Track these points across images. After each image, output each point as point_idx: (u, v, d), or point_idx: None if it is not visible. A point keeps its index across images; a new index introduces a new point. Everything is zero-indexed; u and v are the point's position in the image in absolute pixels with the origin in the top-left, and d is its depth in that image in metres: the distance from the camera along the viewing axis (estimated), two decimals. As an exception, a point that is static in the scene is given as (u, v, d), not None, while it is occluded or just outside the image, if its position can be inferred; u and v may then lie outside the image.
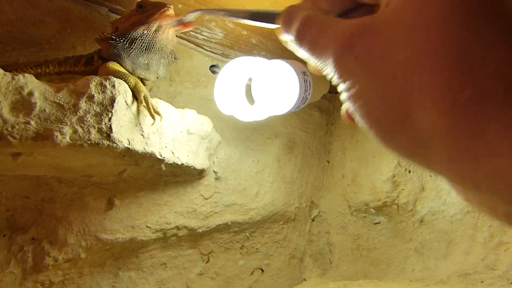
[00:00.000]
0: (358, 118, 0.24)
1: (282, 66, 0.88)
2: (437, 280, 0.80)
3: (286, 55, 1.10)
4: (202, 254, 1.09)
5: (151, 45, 0.81)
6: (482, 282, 0.68)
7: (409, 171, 0.99)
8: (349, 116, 0.27)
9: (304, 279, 1.19)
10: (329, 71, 0.25)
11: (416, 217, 0.97)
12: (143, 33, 0.79)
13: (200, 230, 1.06)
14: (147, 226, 0.97)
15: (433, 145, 0.20)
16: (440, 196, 0.92)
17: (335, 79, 0.25)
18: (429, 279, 0.83)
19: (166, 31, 0.81)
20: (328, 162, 1.30)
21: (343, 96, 0.25)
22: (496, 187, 0.19)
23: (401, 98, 0.21)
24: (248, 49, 1.10)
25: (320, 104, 1.31)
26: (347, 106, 0.25)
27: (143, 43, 0.80)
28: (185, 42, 1.10)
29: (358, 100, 0.24)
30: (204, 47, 1.12)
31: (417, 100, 0.20)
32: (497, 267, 0.73)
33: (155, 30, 0.80)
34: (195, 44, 1.11)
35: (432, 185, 0.94)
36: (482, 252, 0.79)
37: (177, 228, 1.02)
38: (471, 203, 0.23)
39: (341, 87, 0.25)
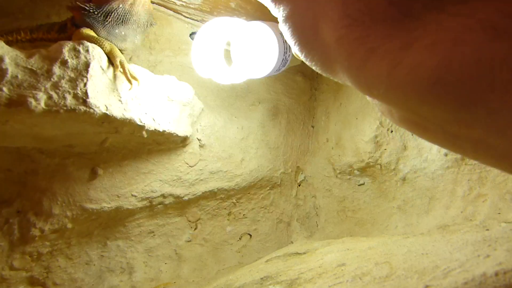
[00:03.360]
0: (289, 40, 0.28)
1: (261, 28, 0.87)
2: (418, 234, 0.81)
3: (266, 18, 1.09)
4: (190, 221, 1.10)
5: (127, 18, 0.79)
6: (459, 231, 0.70)
7: (391, 131, 0.99)
8: None
9: (292, 242, 1.21)
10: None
11: (399, 176, 0.98)
12: (118, 6, 0.77)
13: (186, 198, 1.06)
14: (132, 195, 0.97)
15: (334, 54, 0.24)
16: (422, 154, 0.92)
17: (271, 7, 0.30)
18: (411, 233, 0.85)
19: (142, 2, 0.79)
20: (313, 127, 1.30)
21: (280, 23, 0.29)
22: (379, 89, 0.21)
23: (313, 14, 0.25)
24: (228, 14, 1.08)
25: (303, 69, 1.31)
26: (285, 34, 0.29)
27: (119, 16, 0.77)
28: (163, 9, 1.07)
29: (287, 20, 0.28)
30: (183, 13, 1.10)
31: (322, 14, 0.24)
32: (475, 217, 0.75)
33: (130, 3, 0.78)
34: (173, 11, 1.09)
35: (413, 143, 0.95)
36: (461, 205, 0.80)
37: (163, 196, 1.02)
38: (381, 112, 0.27)
39: (276, 14, 0.30)
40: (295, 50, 0.28)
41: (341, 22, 0.23)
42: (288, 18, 0.28)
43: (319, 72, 0.28)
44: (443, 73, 0.18)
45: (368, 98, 0.27)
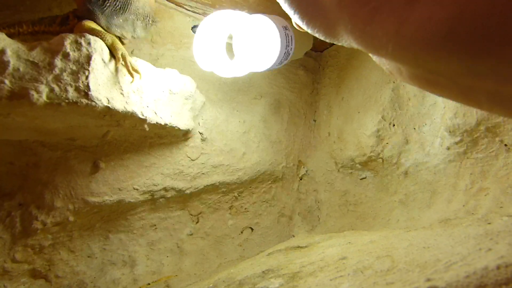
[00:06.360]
0: (287, 10, 0.28)
1: (263, 21, 0.86)
2: (420, 227, 0.81)
3: (268, 10, 1.08)
4: (192, 215, 1.10)
5: (125, 5, 0.79)
6: (461, 224, 0.70)
7: (393, 125, 0.99)
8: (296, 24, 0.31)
9: (293, 236, 1.21)
10: None
11: (401, 170, 0.98)
12: None
13: (188, 191, 1.06)
14: (134, 188, 0.97)
15: (336, 17, 0.24)
16: (424, 148, 0.92)
17: None
18: (412, 227, 0.85)
19: None
20: (315, 121, 1.29)
21: None
22: (387, 48, 0.21)
23: None
24: (230, 7, 1.07)
25: (305, 63, 1.30)
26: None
27: (117, 2, 0.78)
28: (165, 1, 1.07)
29: None
30: (185, 6, 1.09)
31: None
32: (477, 211, 0.74)
33: None
34: (175, 4, 1.08)
35: (416, 137, 0.94)
36: (463, 199, 0.80)
37: (165, 189, 1.02)
38: (389, 72, 0.27)
39: None
40: (295, 19, 0.28)
41: None
42: None
43: (323, 38, 0.27)
44: (454, 25, 0.17)
45: (374, 58, 0.27)
